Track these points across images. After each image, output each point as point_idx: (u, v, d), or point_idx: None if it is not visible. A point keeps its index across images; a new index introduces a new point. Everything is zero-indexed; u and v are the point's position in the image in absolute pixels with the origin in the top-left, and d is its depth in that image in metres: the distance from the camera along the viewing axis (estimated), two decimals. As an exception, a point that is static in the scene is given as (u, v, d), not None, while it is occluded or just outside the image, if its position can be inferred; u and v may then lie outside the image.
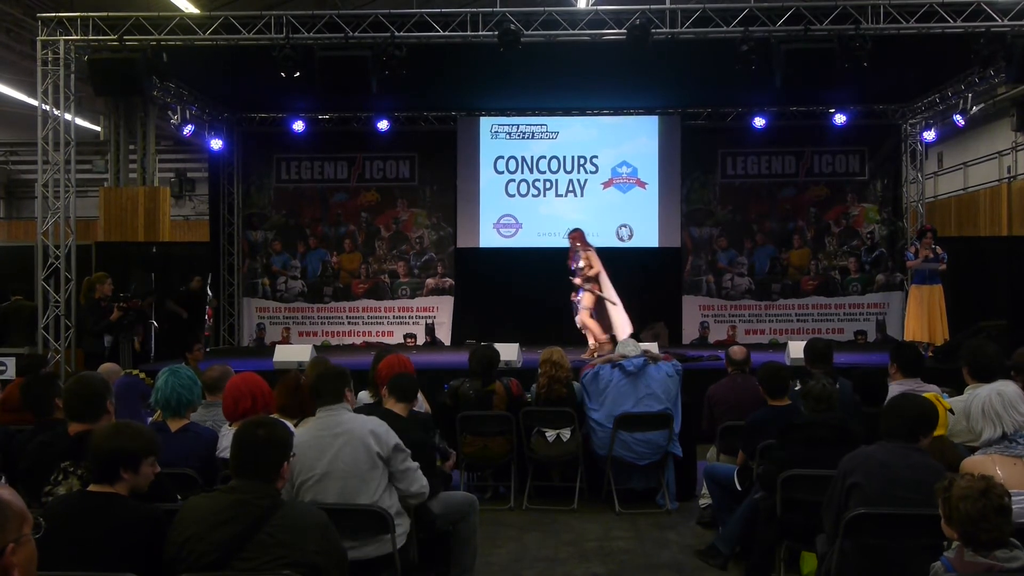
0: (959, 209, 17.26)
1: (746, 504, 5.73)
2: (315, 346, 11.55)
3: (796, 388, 5.96)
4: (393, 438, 4.43)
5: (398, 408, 5.32)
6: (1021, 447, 4.08)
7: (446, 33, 10.74)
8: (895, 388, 5.61)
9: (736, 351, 7.45)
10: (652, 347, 9.99)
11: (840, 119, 14.20)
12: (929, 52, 11.34)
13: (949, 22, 10.33)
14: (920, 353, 6.71)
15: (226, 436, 4.74)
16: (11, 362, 10.22)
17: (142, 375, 6.18)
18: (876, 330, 14.54)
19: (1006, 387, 4.39)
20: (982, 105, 14.68)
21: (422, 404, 6.85)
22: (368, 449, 4.33)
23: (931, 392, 5.43)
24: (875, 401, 5.45)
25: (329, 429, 4.38)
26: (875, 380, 5.58)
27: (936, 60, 11.84)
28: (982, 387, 4.61)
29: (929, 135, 14.26)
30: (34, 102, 11.68)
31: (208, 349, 14.05)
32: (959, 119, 12.99)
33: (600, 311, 11.16)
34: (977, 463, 4.07)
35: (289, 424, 4.94)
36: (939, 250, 11.17)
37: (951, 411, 5.01)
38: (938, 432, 4.73)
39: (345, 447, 4.31)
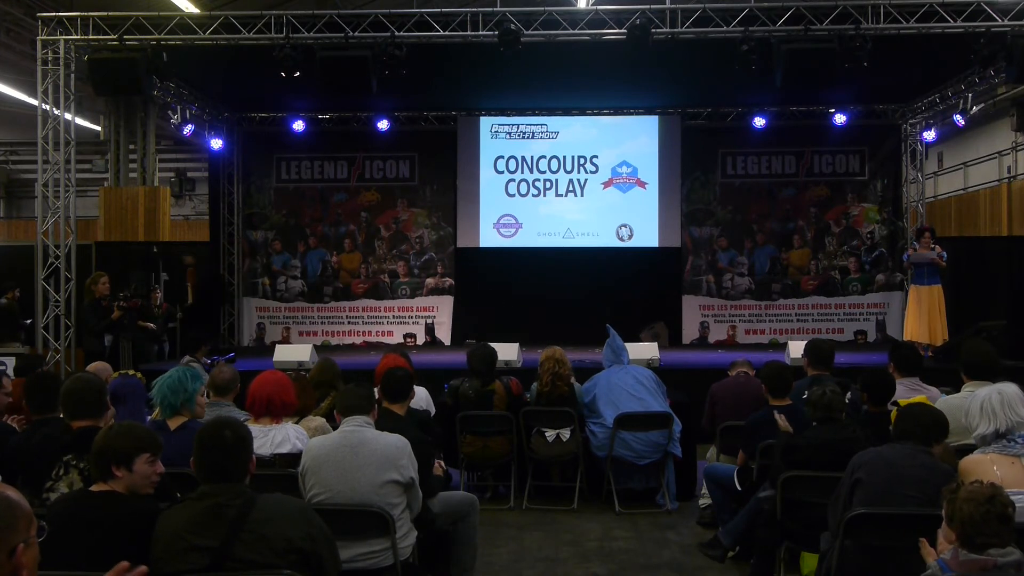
0: (959, 209, 17.26)
1: (752, 501, 5.73)
2: (315, 346, 11.53)
3: (805, 396, 5.93)
4: (413, 466, 4.39)
5: (395, 408, 5.32)
6: (1019, 446, 4.08)
7: (446, 33, 10.74)
8: (900, 388, 5.63)
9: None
10: (652, 348, 10.02)
11: (840, 119, 14.19)
12: (929, 52, 11.33)
13: (949, 22, 10.33)
14: (918, 352, 6.74)
15: None
16: (10, 362, 10.22)
17: (139, 375, 6.17)
18: (876, 330, 14.54)
19: (1007, 387, 4.39)
20: (982, 105, 14.68)
21: (428, 402, 6.87)
22: (391, 476, 4.28)
23: (924, 395, 5.45)
24: (882, 401, 5.44)
25: (352, 446, 4.32)
26: (884, 379, 5.57)
27: (936, 60, 11.84)
28: (983, 387, 4.62)
29: (929, 135, 14.25)
30: (34, 102, 11.68)
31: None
32: (959, 119, 12.97)
33: None
34: (975, 461, 4.08)
35: (298, 427, 4.99)
36: (939, 249, 11.16)
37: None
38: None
39: (366, 468, 4.26)
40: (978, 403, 4.26)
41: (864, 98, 14.09)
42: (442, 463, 6.23)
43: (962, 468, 4.06)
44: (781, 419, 5.56)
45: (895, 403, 5.16)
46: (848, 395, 5.89)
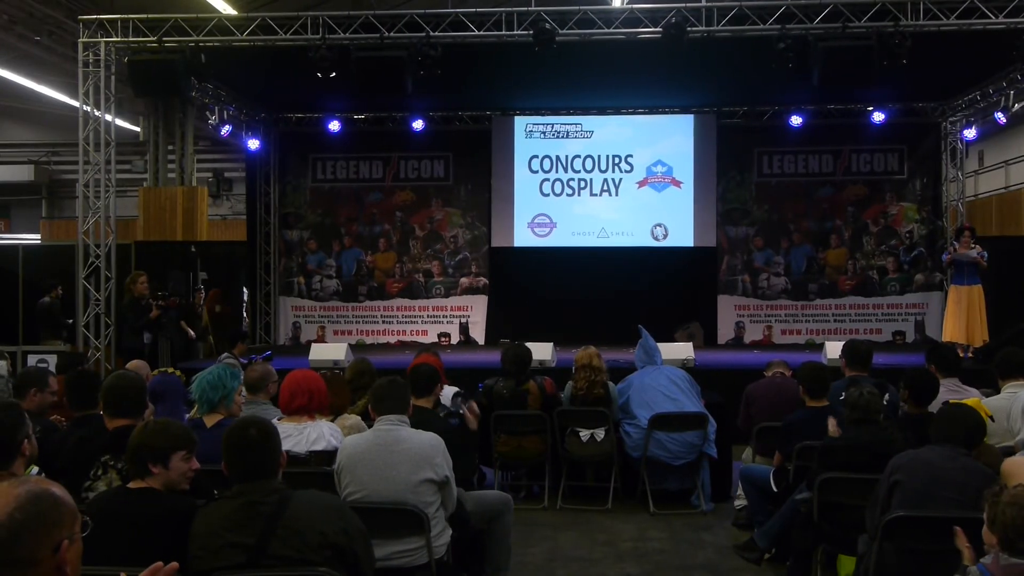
0: (1000, 208, 16.98)
1: (789, 503, 5.69)
2: (350, 345, 11.60)
3: (842, 398, 5.87)
4: (448, 464, 4.39)
5: (422, 402, 5.33)
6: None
7: (481, 32, 10.76)
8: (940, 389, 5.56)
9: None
10: (687, 348, 9.98)
11: (878, 117, 14.04)
12: (970, 49, 11.16)
13: (991, 18, 10.17)
14: (957, 353, 6.65)
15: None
16: (52, 359, 10.38)
17: (179, 373, 6.24)
18: (915, 331, 14.36)
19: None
20: (1024, 102, 14.45)
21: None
22: (426, 475, 4.28)
23: (973, 398, 5.37)
24: (925, 402, 5.38)
25: (388, 445, 4.32)
26: (928, 380, 5.50)
27: (977, 57, 11.65)
28: (1022, 385, 4.56)
29: (970, 133, 14.06)
30: (75, 103, 11.86)
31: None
32: (1000, 116, 12.79)
33: None
34: (1019, 464, 4.02)
35: (332, 424, 5.02)
36: (979, 248, 11.01)
37: (991, 418, 4.95)
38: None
39: (401, 466, 4.27)
40: (1020, 407, 4.20)
41: (903, 96, 13.92)
42: (475, 406, 6.28)
43: (1005, 471, 3.99)
44: (832, 423, 5.49)
45: (947, 403, 5.09)
46: (887, 396, 5.82)
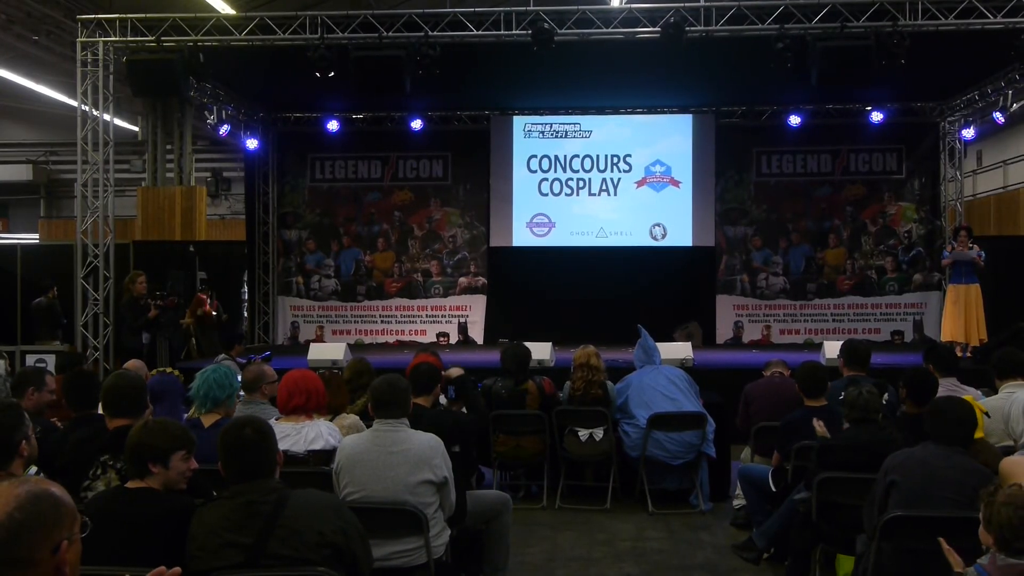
0: (999, 208, 16.98)
1: (787, 503, 5.69)
2: (349, 344, 11.59)
3: (842, 397, 5.86)
4: (447, 466, 4.39)
5: (420, 400, 5.34)
6: (1062, 449, 4.02)
7: (479, 32, 10.77)
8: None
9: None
10: (686, 347, 9.98)
11: (877, 117, 14.06)
12: (968, 49, 11.17)
13: (989, 18, 10.17)
14: (955, 352, 6.65)
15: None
16: (50, 359, 10.38)
17: (177, 372, 6.23)
18: (913, 330, 14.37)
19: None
20: (1023, 102, 14.45)
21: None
22: (424, 476, 4.27)
23: (968, 395, 5.37)
24: (924, 401, 5.37)
25: (386, 446, 4.32)
26: (927, 379, 5.49)
27: (975, 57, 11.66)
28: (1020, 385, 4.55)
29: (968, 133, 14.07)
30: (74, 103, 11.86)
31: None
32: (999, 116, 12.80)
33: None
34: (1016, 463, 4.02)
35: (330, 424, 5.02)
36: (977, 248, 11.02)
37: (987, 414, 4.95)
38: (976, 435, 4.67)
39: (400, 468, 4.27)
40: (1020, 408, 4.19)
41: (901, 96, 13.95)
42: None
43: (1003, 470, 3.99)
44: (819, 425, 5.50)
45: (938, 398, 5.08)
46: (886, 396, 5.82)
